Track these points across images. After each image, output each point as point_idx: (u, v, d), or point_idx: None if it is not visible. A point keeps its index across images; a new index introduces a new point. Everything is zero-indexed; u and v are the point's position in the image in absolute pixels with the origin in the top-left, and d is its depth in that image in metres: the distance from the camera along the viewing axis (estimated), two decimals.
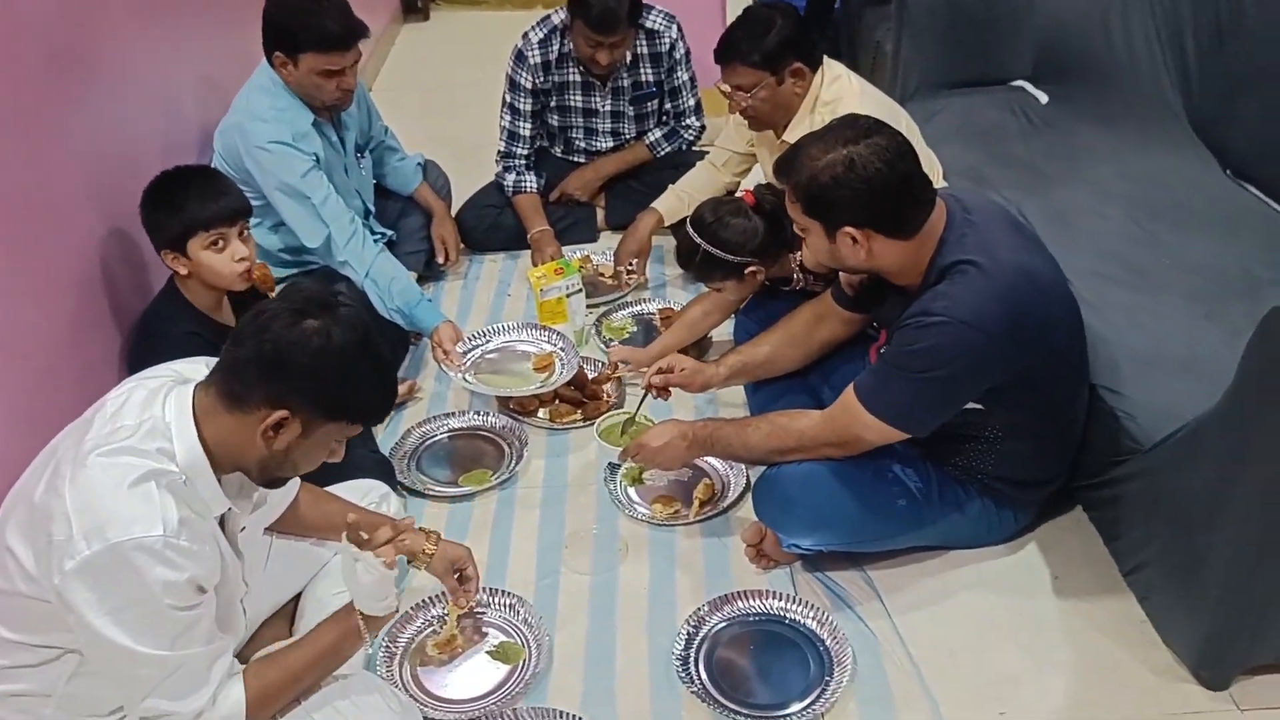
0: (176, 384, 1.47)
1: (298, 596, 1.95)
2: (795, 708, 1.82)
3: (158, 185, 2.10)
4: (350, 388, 1.42)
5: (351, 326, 1.42)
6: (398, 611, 1.62)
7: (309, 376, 1.38)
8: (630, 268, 3.02)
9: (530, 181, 3.25)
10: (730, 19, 3.78)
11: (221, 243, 2.06)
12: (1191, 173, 2.69)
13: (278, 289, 2.69)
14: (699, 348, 2.71)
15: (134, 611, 1.34)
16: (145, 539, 1.32)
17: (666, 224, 3.00)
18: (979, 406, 1.90)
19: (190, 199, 2.06)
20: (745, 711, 1.81)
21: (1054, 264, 1.94)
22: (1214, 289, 2.26)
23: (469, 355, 2.69)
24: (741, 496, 2.29)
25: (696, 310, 2.64)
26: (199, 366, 1.53)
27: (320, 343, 1.38)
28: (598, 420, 2.34)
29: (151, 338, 2.17)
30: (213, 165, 2.66)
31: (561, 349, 2.69)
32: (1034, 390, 1.89)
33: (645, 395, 2.30)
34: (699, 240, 2.38)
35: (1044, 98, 3.16)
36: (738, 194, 2.51)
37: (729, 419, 2.15)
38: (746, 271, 2.39)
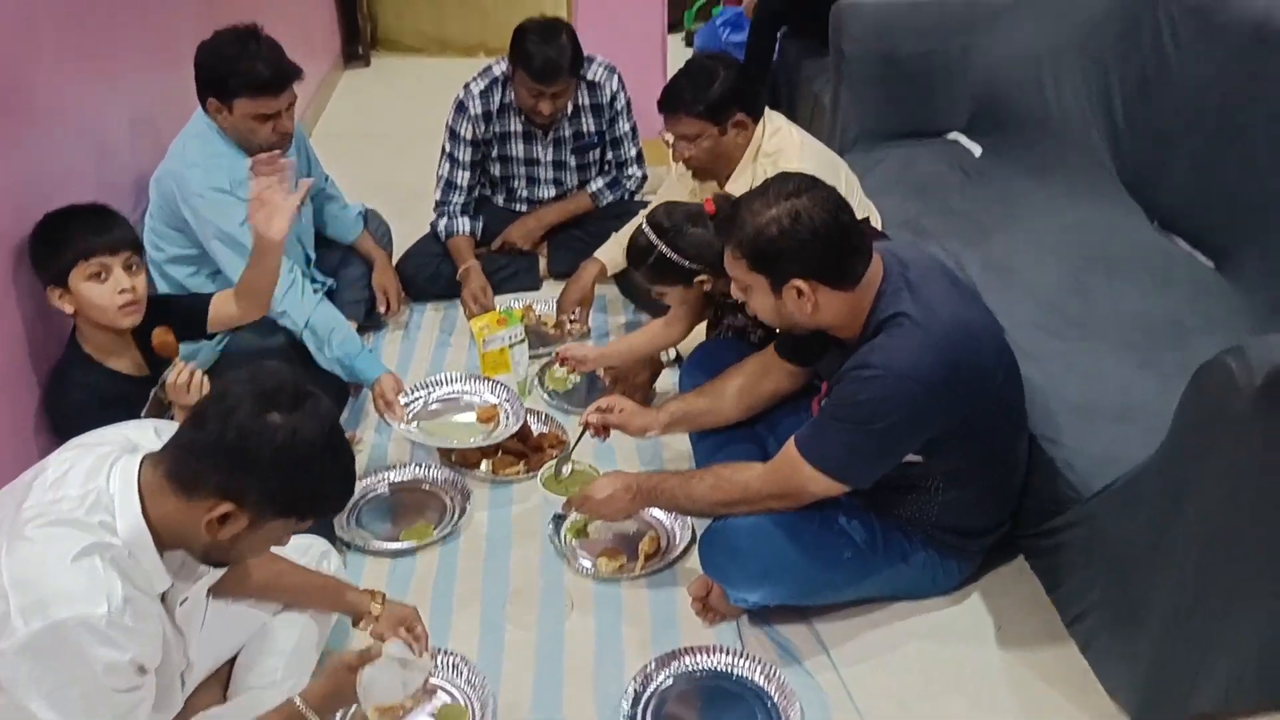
0: (125, 452, 1.41)
1: (233, 657, 1.89)
2: None
3: (45, 221, 2.05)
4: (308, 487, 1.38)
5: (319, 424, 1.36)
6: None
7: (267, 472, 1.32)
8: (573, 317, 3.02)
9: (462, 225, 3.24)
10: (670, 71, 3.83)
11: (104, 274, 1.99)
12: (1121, 224, 2.75)
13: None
14: (642, 393, 2.70)
15: (73, 693, 1.28)
16: (89, 617, 1.26)
17: (609, 274, 3.01)
18: (919, 458, 1.91)
19: (75, 231, 2.00)
20: None
21: (989, 315, 1.97)
22: (1146, 338, 2.31)
23: (412, 406, 2.65)
24: (687, 549, 2.27)
25: (658, 323, 2.61)
26: (149, 434, 1.48)
27: (284, 439, 1.32)
28: (541, 469, 2.31)
29: (50, 389, 2.11)
30: (148, 212, 2.62)
31: (506, 400, 2.67)
32: (973, 440, 1.92)
33: (582, 432, 2.28)
34: (657, 243, 2.36)
35: (978, 150, 3.23)
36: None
37: (673, 471, 2.14)
38: (696, 280, 2.38)
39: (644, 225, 2.40)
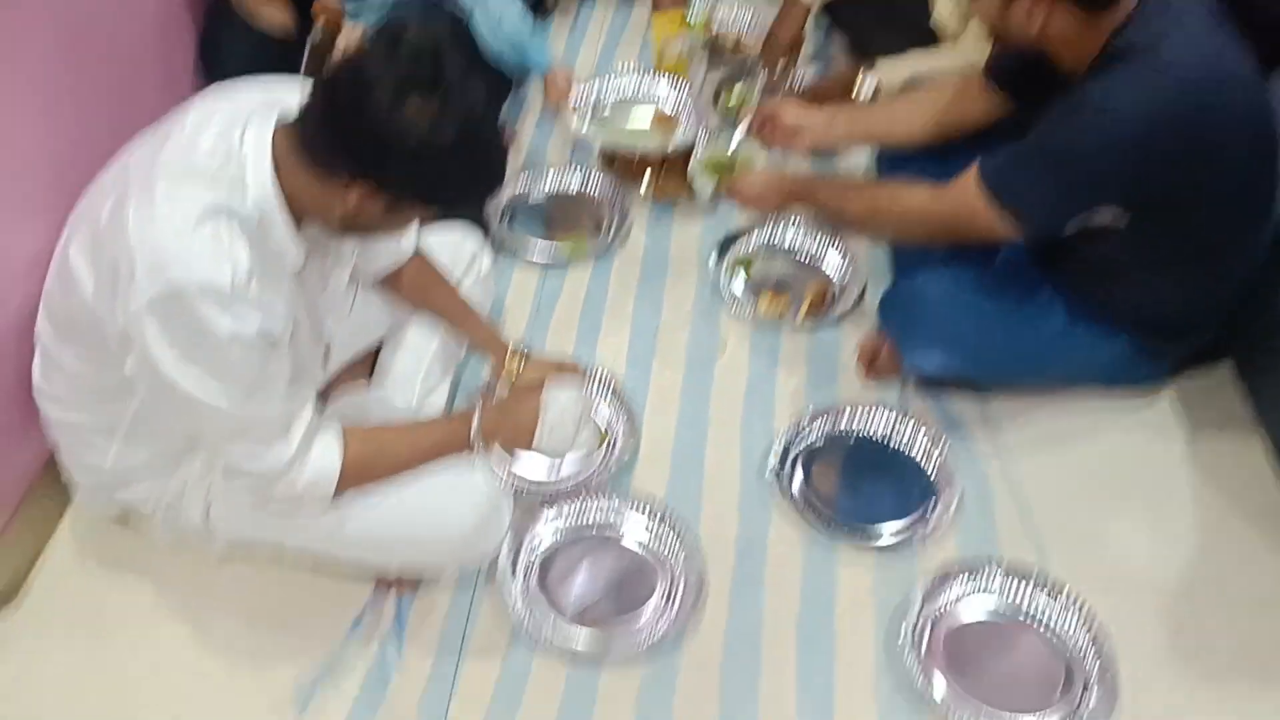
0: (263, 109, 1.29)
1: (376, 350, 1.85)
2: (892, 529, 1.73)
3: None
4: (451, 183, 1.25)
5: (463, 116, 1.19)
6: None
7: (406, 168, 1.20)
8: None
9: None
10: None
11: None
12: None
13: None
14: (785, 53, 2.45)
15: (200, 356, 1.22)
16: (210, 284, 1.18)
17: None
18: (1118, 225, 1.66)
19: None
20: (842, 528, 1.72)
21: (1254, 72, 1.58)
22: None
23: (585, 98, 2.46)
24: (856, 304, 2.11)
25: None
26: (293, 90, 1.34)
27: (425, 134, 1.16)
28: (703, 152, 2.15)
29: (205, 54, 2.01)
30: None
31: (687, 109, 2.46)
32: (1187, 217, 1.63)
33: (747, 128, 2.10)
34: None
35: None
36: None
37: (833, 178, 1.96)
38: None
39: None
